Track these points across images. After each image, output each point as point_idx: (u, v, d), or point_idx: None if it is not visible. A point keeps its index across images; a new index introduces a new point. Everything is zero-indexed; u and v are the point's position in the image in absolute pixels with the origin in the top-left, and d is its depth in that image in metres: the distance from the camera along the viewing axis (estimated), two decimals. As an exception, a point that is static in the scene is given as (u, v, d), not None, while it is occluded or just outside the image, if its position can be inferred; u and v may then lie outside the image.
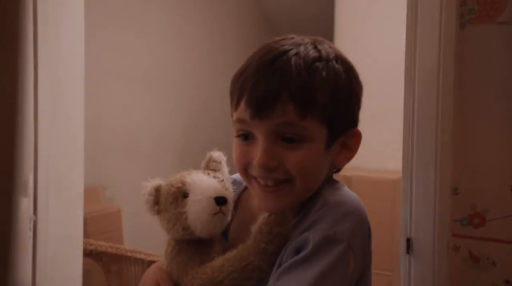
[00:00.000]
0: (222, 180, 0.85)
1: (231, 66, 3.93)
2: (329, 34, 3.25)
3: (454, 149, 1.32)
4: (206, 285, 0.77)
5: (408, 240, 1.37)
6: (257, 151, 0.76)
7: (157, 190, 0.83)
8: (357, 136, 0.81)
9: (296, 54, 0.76)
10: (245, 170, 0.80)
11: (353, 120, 0.81)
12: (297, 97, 0.73)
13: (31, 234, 1.36)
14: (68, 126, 1.55)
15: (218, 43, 3.76)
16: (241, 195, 0.93)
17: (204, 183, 0.80)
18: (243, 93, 0.76)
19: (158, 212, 0.83)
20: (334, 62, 0.78)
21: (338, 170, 0.86)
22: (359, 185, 2.64)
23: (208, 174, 0.84)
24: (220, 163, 0.88)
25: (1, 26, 0.92)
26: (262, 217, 0.78)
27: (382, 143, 2.96)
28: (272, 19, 4.30)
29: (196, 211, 0.78)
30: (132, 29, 2.96)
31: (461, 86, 1.30)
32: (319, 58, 0.76)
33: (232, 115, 0.81)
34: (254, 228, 0.77)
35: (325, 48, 0.79)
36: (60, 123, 1.50)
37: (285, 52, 0.76)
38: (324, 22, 3.45)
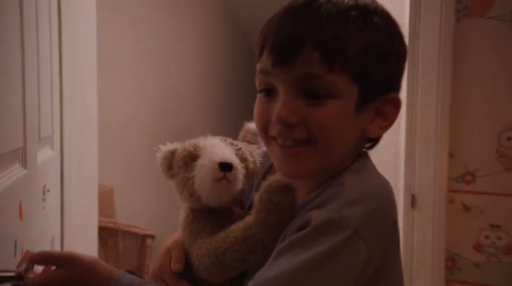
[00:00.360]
0: (240, 148, 0.79)
1: (196, 53, 4.14)
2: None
3: (451, 120, 1.62)
4: (210, 255, 0.72)
5: (413, 196, 1.66)
6: (277, 104, 0.68)
7: (173, 153, 0.79)
8: (395, 103, 0.71)
9: (329, 1, 0.67)
10: (264, 130, 0.71)
11: (391, 83, 0.71)
12: (324, 46, 0.65)
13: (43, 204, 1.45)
14: (85, 109, 1.68)
15: (184, 30, 3.90)
16: (271, 168, 0.85)
17: (214, 148, 0.75)
18: (266, 40, 0.69)
19: (171, 177, 0.79)
20: (373, 14, 0.69)
21: (372, 144, 0.76)
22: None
23: (225, 140, 0.79)
24: (257, 135, 0.80)
25: (30, 18, 1.05)
26: (263, 185, 0.69)
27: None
28: (236, 9, 4.48)
29: (201, 176, 0.73)
30: (101, 15, 3.03)
31: (457, 67, 1.60)
32: (355, 7, 0.68)
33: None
34: (255, 196, 0.69)
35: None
36: (79, 105, 1.64)
37: None
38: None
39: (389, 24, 0.71)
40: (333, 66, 0.65)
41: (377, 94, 0.69)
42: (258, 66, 0.71)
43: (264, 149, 0.80)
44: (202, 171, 0.74)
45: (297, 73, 0.66)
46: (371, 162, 0.74)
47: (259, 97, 0.72)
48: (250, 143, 0.83)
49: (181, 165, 0.77)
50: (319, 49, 0.65)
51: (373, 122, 0.71)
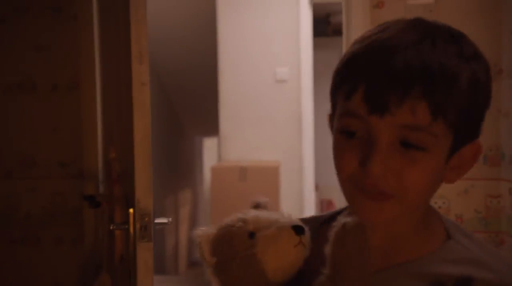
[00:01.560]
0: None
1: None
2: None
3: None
4: None
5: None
6: (367, 153, 0.60)
7: (213, 238, 0.69)
8: (477, 149, 0.65)
9: (432, 42, 0.61)
10: (350, 178, 0.63)
11: (479, 129, 0.65)
12: (433, 94, 0.58)
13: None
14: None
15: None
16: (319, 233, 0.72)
17: (270, 216, 0.68)
18: (358, 81, 0.60)
19: (218, 264, 0.68)
20: (474, 59, 0.63)
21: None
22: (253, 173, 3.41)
23: (263, 210, 0.72)
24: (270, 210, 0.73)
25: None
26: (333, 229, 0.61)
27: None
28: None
29: (275, 246, 0.64)
30: None
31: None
32: (460, 53, 0.61)
33: (334, 110, 0.66)
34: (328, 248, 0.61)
35: (465, 42, 0.64)
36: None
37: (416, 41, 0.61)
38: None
39: (487, 68, 0.65)
40: (439, 117, 0.59)
41: (466, 143, 0.64)
42: (343, 108, 0.62)
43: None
44: (275, 240, 0.64)
45: (400, 122, 0.59)
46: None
47: (340, 139, 0.63)
48: None
49: (236, 243, 0.66)
50: (427, 95, 0.58)
51: (453, 169, 0.65)
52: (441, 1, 1.68)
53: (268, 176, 3.43)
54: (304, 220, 0.73)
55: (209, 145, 3.81)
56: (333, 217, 0.74)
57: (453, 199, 1.76)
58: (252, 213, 0.69)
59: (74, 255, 1.89)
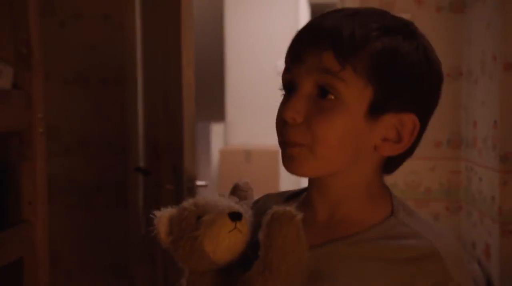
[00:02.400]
0: (239, 201, 0.75)
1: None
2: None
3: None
4: None
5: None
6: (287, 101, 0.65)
7: (170, 218, 0.74)
8: (412, 126, 0.65)
9: (357, 17, 0.65)
10: (278, 131, 0.67)
11: (415, 103, 0.66)
12: (339, 44, 0.62)
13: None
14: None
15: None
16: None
17: (218, 202, 0.72)
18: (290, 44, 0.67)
19: (172, 243, 0.73)
20: (403, 32, 0.65)
21: (390, 167, 0.70)
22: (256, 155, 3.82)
23: (223, 195, 0.76)
24: (247, 191, 0.80)
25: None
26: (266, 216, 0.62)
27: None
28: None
29: (211, 231, 0.68)
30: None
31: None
32: (381, 28, 0.64)
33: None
34: (260, 235, 0.63)
35: (398, 18, 0.67)
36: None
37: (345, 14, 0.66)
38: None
39: (427, 46, 0.67)
40: (346, 64, 0.62)
41: (395, 106, 0.65)
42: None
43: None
44: (212, 224, 0.68)
45: (311, 64, 0.63)
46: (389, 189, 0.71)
47: (282, 98, 0.67)
48: (240, 199, 0.77)
49: (184, 226, 0.71)
50: (332, 47, 0.62)
51: (386, 141, 0.66)
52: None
53: (270, 159, 3.86)
54: (269, 196, 0.81)
55: (216, 130, 4.23)
56: (299, 193, 0.76)
57: (424, 174, 2.21)
58: (205, 199, 0.72)
59: (119, 217, 2.32)
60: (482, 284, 1.84)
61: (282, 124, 0.66)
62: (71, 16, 2.27)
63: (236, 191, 0.79)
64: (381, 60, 0.63)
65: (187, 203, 0.73)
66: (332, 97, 0.63)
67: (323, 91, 0.64)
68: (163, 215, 0.74)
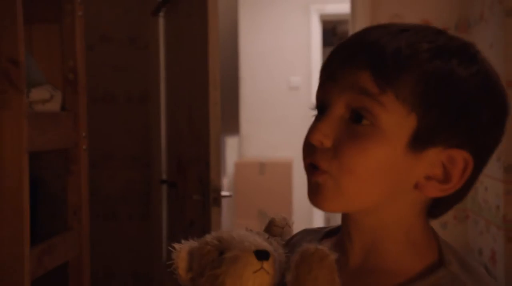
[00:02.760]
0: (268, 238, 0.69)
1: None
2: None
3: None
4: None
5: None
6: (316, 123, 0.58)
7: (190, 253, 0.68)
8: (463, 165, 0.56)
9: (404, 33, 0.56)
10: (303, 154, 0.61)
11: (464, 137, 0.56)
12: (377, 63, 0.55)
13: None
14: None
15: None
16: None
17: (244, 237, 0.65)
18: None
19: (191, 280, 0.67)
20: (460, 55, 0.56)
21: (436, 211, 0.60)
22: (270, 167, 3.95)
23: (251, 230, 0.70)
24: (283, 228, 0.73)
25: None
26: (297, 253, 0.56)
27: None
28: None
29: (234, 270, 0.62)
30: None
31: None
32: (432, 49, 0.56)
33: None
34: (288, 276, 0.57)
35: (460, 51, 0.57)
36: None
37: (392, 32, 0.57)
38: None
39: (489, 72, 0.58)
40: (387, 88, 0.54)
41: (443, 140, 0.56)
42: None
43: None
44: (235, 263, 0.62)
45: (344, 84, 0.57)
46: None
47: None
48: (275, 236, 0.72)
49: (205, 263, 0.65)
50: (370, 66, 0.55)
51: (430, 180, 0.57)
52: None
53: (284, 170, 3.99)
54: (306, 232, 0.73)
55: (230, 143, 4.38)
56: (339, 229, 0.68)
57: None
58: (230, 233, 0.66)
59: (142, 227, 2.46)
60: (489, 288, 1.94)
61: (309, 148, 0.59)
62: (99, 39, 2.43)
63: (271, 226, 0.73)
64: (429, 85, 0.55)
65: (210, 236, 0.67)
66: (367, 122, 0.55)
67: (357, 115, 0.56)
68: (183, 249, 0.67)
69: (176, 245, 0.67)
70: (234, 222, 3.93)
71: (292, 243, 0.70)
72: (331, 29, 5.41)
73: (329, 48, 0.64)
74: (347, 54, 0.58)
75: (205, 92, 1.79)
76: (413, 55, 0.55)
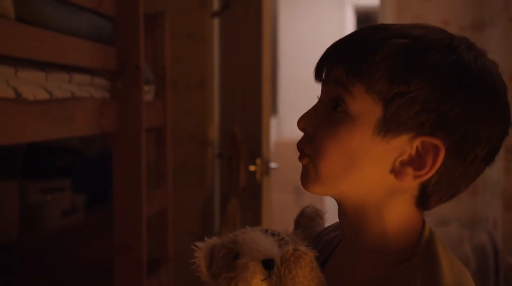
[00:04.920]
0: (283, 238, 0.71)
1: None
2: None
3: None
4: None
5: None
6: None
7: (212, 251, 0.72)
8: (435, 151, 0.58)
9: (387, 29, 0.61)
10: None
11: (435, 126, 0.57)
12: (349, 58, 0.61)
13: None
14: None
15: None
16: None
17: (254, 243, 0.67)
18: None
19: (213, 277, 0.70)
20: (436, 46, 0.59)
21: (424, 200, 0.62)
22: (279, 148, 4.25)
23: (266, 231, 0.71)
24: (313, 220, 0.76)
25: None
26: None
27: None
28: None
29: (245, 277, 0.65)
30: None
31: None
32: (412, 37, 0.59)
33: None
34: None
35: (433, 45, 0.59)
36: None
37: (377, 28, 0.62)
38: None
39: (468, 68, 0.59)
40: (355, 80, 0.60)
41: (409, 127, 0.58)
42: None
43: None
44: (245, 270, 0.65)
45: (326, 77, 0.64)
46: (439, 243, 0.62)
47: None
48: (304, 227, 0.75)
49: (221, 265, 0.69)
50: (344, 61, 0.61)
51: (406, 165, 0.59)
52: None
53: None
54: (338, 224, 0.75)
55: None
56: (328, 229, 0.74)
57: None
58: (245, 235, 0.69)
59: (199, 194, 2.91)
60: (490, 249, 2.33)
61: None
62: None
63: (301, 217, 0.77)
64: (394, 77, 0.58)
65: (227, 238, 0.71)
66: (341, 110, 0.62)
67: (334, 104, 0.62)
68: (206, 247, 0.72)
69: (199, 244, 0.72)
70: (273, 195, 4.33)
71: (323, 234, 0.76)
72: (364, 18, 5.71)
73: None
74: (332, 54, 0.65)
75: (258, 83, 2.21)
76: (380, 50, 0.59)
